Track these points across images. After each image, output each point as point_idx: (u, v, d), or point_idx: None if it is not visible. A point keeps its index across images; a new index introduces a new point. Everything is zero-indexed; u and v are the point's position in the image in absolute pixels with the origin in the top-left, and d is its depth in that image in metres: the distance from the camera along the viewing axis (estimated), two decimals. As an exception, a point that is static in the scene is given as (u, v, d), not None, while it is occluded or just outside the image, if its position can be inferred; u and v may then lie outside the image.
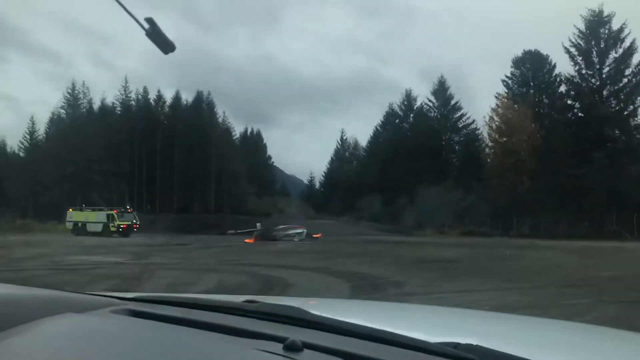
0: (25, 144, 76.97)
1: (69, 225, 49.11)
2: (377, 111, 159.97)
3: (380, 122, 79.23)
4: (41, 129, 75.80)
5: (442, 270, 13.85)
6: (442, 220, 53.55)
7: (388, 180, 67.26)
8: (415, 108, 75.14)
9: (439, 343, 1.01)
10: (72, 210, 50.53)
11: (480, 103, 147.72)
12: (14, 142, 79.71)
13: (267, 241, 34.43)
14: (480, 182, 54.96)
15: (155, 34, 1.81)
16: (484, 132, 63.17)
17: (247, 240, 34.75)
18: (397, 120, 76.78)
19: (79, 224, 48.09)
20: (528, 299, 8.93)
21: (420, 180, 63.17)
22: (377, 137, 78.97)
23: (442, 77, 72.83)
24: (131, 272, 13.31)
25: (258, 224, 39.11)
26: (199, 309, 1.31)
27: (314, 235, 37.55)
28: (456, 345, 0.99)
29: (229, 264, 15.64)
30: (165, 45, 1.87)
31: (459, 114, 71.47)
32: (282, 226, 38.44)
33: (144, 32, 1.81)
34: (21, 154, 77.85)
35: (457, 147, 72.47)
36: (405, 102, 76.13)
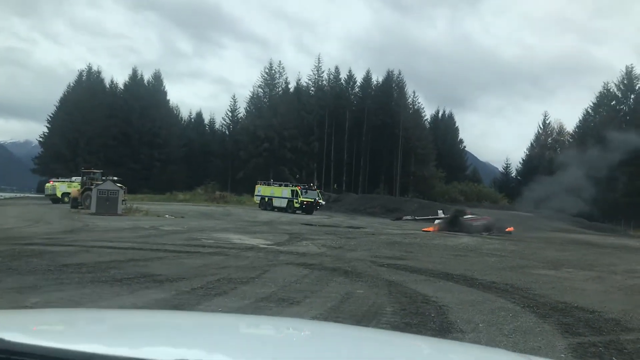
0: (228, 121, 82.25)
1: (257, 200, 50.30)
2: (585, 94, 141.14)
3: (591, 105, 69.20)
4: (242, 107, 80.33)
5: None
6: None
7: (600, 169, 57.59)
8: (637, 88, 63.83)
9: None
10: (260, 184, 51.42)
11: None
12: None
13: (449, 232, 29.78)
14: None
15: None
16: None
17: (425, 229, 30.44)
18: (613, 102, 66.47)
19: (266, 199, 48.76)
20: None
21: (641, 169, 52.90)
22: (587, 121, 68.71)
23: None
24: (246, 265, 10.19)
25: (440, 211, 34.37)
26: None
27: (506, 229, 31.70)
28: None
29: (382, 263, 11.66)
30: None
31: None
32: (468, 216, 33.19)
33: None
34: (226, 131, 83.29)
35: (693, 130, 58.55)
36: (625, 81, 64.81)
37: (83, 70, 75.81)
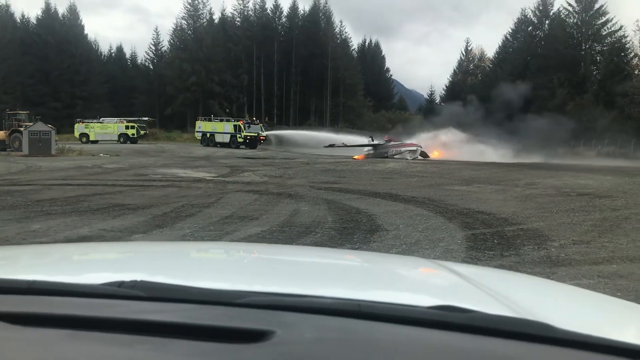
0: (151, 55, 79.61)
1: (198, 136, 49.50)
2: (508, 19, 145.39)
3: (510, 31, 72.15)
4: (165, 40, 77.64)
5: (598, 213, 10.25)
6: (577, 139, 47.64)
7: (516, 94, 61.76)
8: (551, 14, 66.91)
9: (104, 284, 0.96)
10: (201, 120, 50.74)
11: (631, 6, 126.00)
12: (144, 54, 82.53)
13: (378, 158, 31.89)
14: (626, 97, 47.85)
15: None
16: (634, 40, 54.31)
17: (355, 157, 32.42)
18: (529, 28, 69.69)
19: (208, 135, 48.21)
20: None
21: (553, 94, 57.08)
22: (506, 47, 71.98)
23: (585, -24, 62.62)
24: (201, 194, 11.44)
25: (368, 140, 36.27)
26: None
27: (428, 155, 34.23)
28: (120, 284, 0.96)
29: (319, 187, 13.25)
30: None
31: (604, 19, 61.50)
32: (395, 142, 35.39)
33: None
34: (150, 65, 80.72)
35: (598, 58, 63.09)
36: (540, 7, 67.93)
37: (-11, 5, 70.10)
